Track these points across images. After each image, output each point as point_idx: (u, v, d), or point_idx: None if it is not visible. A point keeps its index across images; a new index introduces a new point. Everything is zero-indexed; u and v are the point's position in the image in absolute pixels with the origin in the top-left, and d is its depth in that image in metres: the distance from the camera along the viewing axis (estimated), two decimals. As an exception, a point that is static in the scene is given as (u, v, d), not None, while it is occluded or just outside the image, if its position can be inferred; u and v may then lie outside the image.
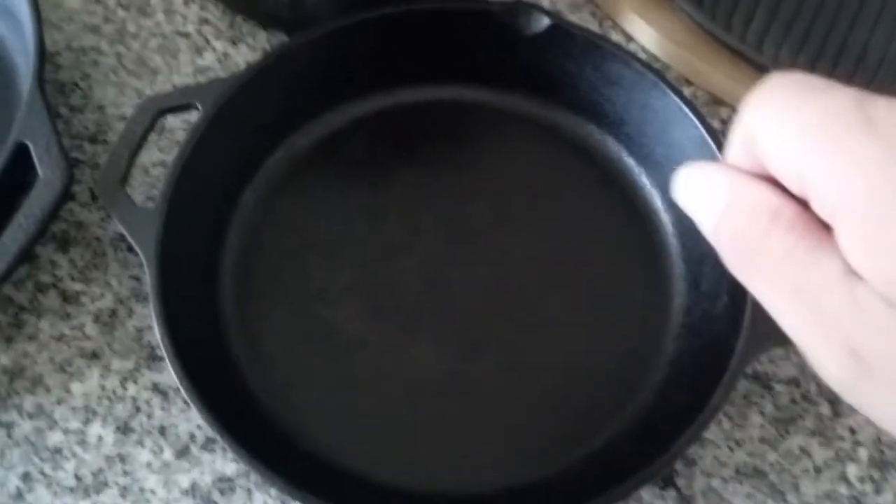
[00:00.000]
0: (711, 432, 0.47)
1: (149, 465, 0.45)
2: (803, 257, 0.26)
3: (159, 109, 0.49)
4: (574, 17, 0.59)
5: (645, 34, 0.58)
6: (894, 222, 0.24)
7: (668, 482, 0.45)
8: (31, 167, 0.46)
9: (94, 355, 0.47)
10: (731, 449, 0.46)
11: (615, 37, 0.59)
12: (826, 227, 0.26)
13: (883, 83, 0.56)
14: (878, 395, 0.26)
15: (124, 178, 0.47)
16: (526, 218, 0.52)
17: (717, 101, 0.57)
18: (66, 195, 0.46)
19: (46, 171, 0.46)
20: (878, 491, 0.46)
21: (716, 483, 0.46)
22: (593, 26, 0.59)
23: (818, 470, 0.46)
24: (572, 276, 0.51)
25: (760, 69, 0.55)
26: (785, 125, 0.26)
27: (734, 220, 0.29)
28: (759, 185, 0.29)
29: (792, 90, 0.27)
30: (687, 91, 0.57)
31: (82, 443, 0.45)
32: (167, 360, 0.42)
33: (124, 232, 0.46)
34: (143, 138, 0.48)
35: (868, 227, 0.24)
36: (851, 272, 0.25)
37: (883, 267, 0.24)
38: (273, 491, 0.45)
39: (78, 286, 0.49)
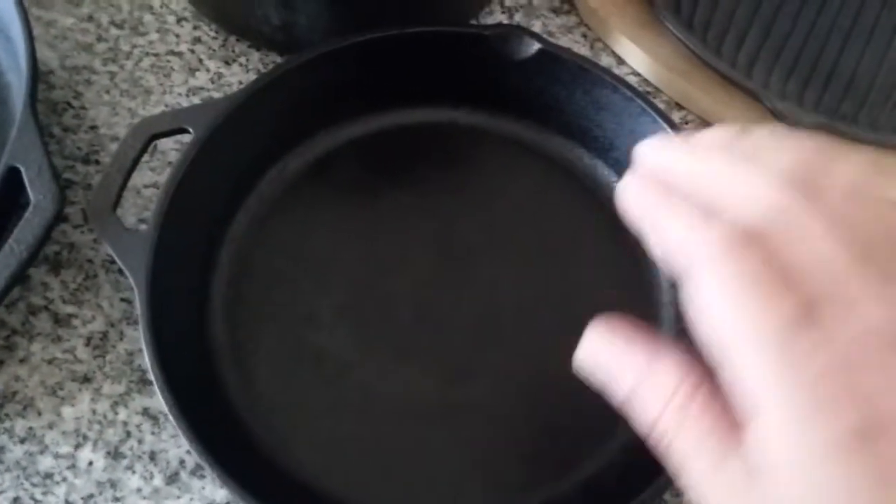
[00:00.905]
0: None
1: (139, 490, 0.45)
2: (712, 451, 0.28)
3: (151, 134, 0.49)
4: (565, 40, 0.59)
5: (636, 57, 0.59)
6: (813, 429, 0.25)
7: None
8: (23, 190, 0.46)
9: (86, 379, 0.48)
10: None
11: (606, 59, 0.59)
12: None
13: (874, 106, 0.57)
14: None
15: (115, 203, 0.47)
16: (516, 241, 0.53)
17: (707, 125, 0.57)
18: (58, 220, 0.46)
19: (38, 196, 0.46)
20: None
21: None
22: (584, 49, 0.59)
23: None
24: (561, 300, 0.51)
25: (751, 94, 0.56)
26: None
27: (646, 398, 0.30)
28: (672, 361, 0.30)
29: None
30: (677, 115, 0.57)
31: (73, 468, 0.46)
32: (157, 388, 0.42)
33: (115, 257, 0.46)
34: (135, 162, 0.48)
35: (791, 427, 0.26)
36: (753, 470, 0.27)
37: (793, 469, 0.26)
38: (262, 517, 0.45)
39: (70, 308, 0.49)
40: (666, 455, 0.29)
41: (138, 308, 0.44)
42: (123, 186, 0.47)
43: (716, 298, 0.27)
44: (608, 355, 0.32)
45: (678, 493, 0.46)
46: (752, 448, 0.27)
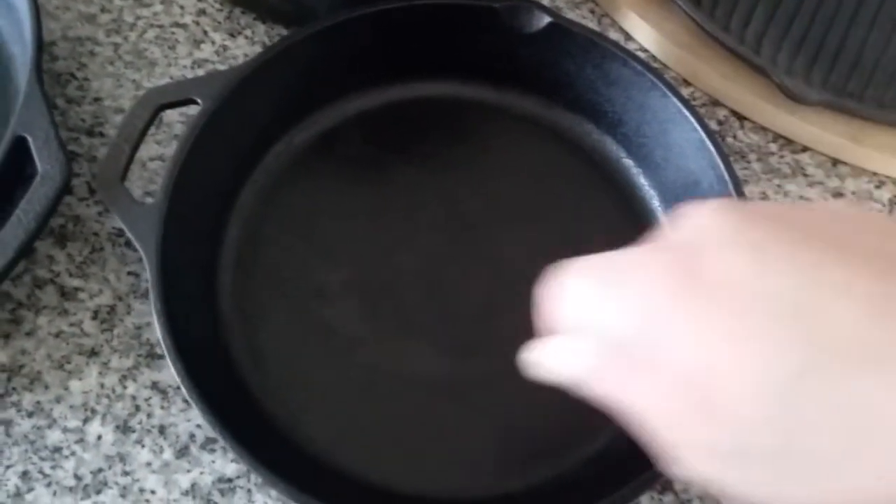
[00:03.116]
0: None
1: (149, 464, 0.45)
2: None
3: (159, 104, 0.48)
4: (573, 15, 0.59)
5: (643, 33, 0.58)
6: None
7: (665, 486, 0.46)
8: (30, 161, 0.45)
9: (93, 352, 0.47)
10: (727, 451, 0.47)
11: (613, 35, 0.59)
12: None
13: (879, 84, 0.57)
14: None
15: (124, 174, 0.47)
16: (524, 216, 0.52)
17: (714, 102, 0.57)
18: (66, 190, 0.45)
19: (46, 165, 0.45)
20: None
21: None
22: (592, 24, 0.59)
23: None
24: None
25: (758, 70, 0.55)
26: None
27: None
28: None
29: None
30: (685, 91, 0.57)
31: (82, 442, 0.45)
32: (168, 359, 0.42)
33: (124, 228, 0.45)
34: (143, 133, 0.48)
35: None
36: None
37: None
38: (273, 492, 0.45)
39: (76, 282, 0.49)
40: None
41: (148, 280, 0.44)
42: (131, 157, 0.47)
43: None
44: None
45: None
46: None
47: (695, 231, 0.31)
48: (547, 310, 0.35)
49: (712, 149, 0.49)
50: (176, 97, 0.49)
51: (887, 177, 0.56)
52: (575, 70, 0.53)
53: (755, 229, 0.29)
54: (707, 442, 0.29)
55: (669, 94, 0.50)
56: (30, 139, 0.45)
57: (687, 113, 0.50)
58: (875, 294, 0.27)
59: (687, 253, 0.30)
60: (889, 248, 0.29)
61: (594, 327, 0.33)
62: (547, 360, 0.38)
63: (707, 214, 0.31)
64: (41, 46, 0.48)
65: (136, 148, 0.47)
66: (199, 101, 0.48)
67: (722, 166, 0.48)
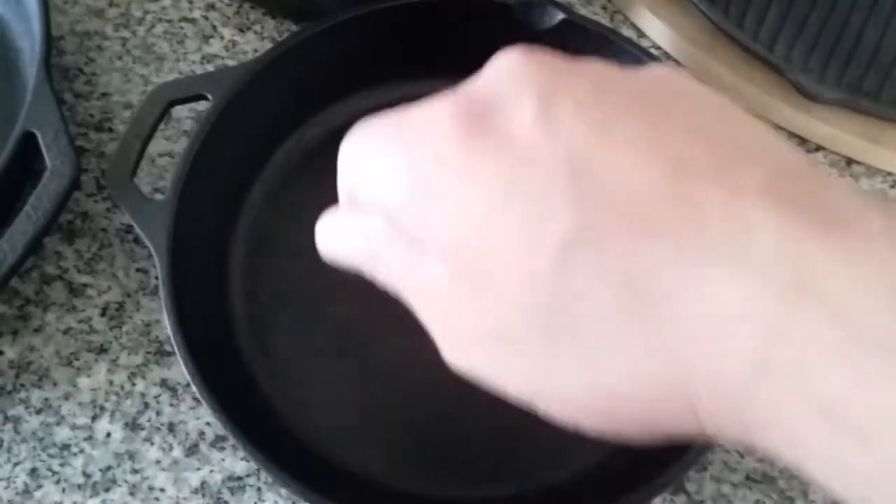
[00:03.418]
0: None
1: (158, 462, 0.44)
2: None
3: (169, 100, 0.48)
4: (585, 11, 0.59)
5: (656, 30, 0.58)
6: None
7: (678, 487, 0.45)
8: (39, 156, 0.45)
9: (102, 349, 0.47)
10: (740, 454, 0.46)
11: (627, 32, 0.58)
12: None
13: (894, 84, 0.56)
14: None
15: (133, 170, 0.46)
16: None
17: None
18: (75, 185, 0.45)
19: (55, 161, 0.45)
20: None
21: (725, 489, 0.46)
22: (604, 21, 0.58)
23: (827, 474, 0.46)
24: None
25: (773, 68, 0.55)
26: None
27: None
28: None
29: None
30: (699, 89, 0.56)
31: (90, 439, 0.45)
32: (178, 356, 0.41)
33: (134, 225, 0.45)
34: (153, 129, 0.47)
35: None
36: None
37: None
38: (283, 491, 0.44)
39: (84, 278, 0.48)
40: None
41: (157, 277, 0.43)
42: (142, 153, 0.47)
43: None
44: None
45: (698, 469, 0.46)
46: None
47: (494, 77, 0.28)
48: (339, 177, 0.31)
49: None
50: (186, 92, 0.48)
51: (903, 176, 0.55)
52: (588, 67, 0.53)
53: (554, 82, 0.26)
54: (471, 325, 0.27)
55: (683, 91, 0.50)
56: (38, 135, 0.45)
57: (700, 111, 0.49)
58: (673, 159, 0.24)
59: (476, 101, 0.27)
60: (703, 121, 0.26)
61: (371, 196, 0.29)
62: (326, 239, 0.34)
63: (511, 58, 0.27)
64: (50, 40, 0.48)
65: (146, 144, 0.47)
66: (209, 96, 0.48)
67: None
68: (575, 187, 0.24)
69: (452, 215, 0.26)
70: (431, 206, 0.27)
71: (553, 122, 0.25)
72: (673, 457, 0.41)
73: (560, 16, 0.51)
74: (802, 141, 0.56)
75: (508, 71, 0.27)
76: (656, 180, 0.24)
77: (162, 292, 0.43)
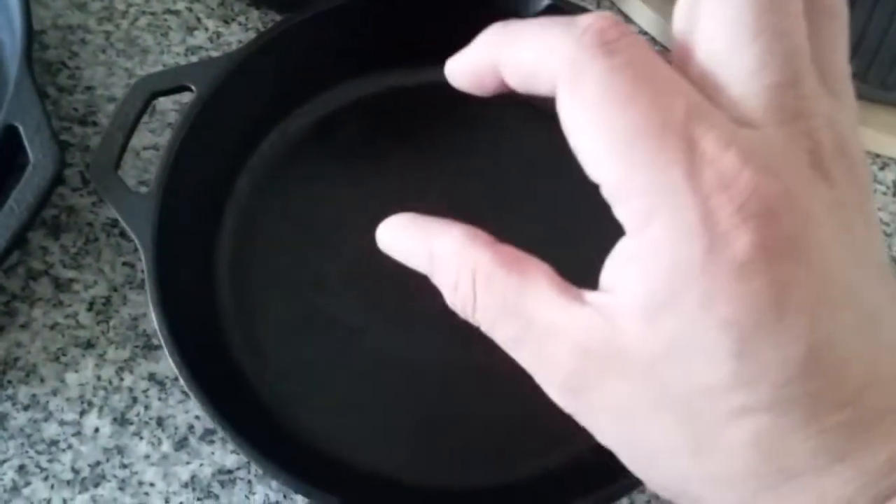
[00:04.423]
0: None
1: (147, 457, 0.44)
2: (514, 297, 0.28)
3: (153, 91, 0.47)
4: (571, -3, 0.58)
5: (643, 16, 0.58)
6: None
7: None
8: (22, 150, 0.45)
9: (89, 344, 0.46)
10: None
11: (613, 18, 0.58)
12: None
13: (882, 65, 0.56)
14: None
15: (117, 163, 0.46)
16: (524, 202, 0.52)
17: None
18: (59, 179, 0.44)
19: (38, 155, 0.44)
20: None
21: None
22: (591, 7, 0.58)
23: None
24: (572, 261, 0.50)
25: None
26: None
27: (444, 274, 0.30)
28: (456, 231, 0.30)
29: None
30: (686, 74, 0.56)
31: (79, 434, 0.44)
32: (165, 350, 0.41)
33: (119, 218, 0.44)
34: (137, 121, 0.47)
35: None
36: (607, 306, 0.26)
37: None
38: (274, 483, 0.44)
39: (70, 273, 0.48)
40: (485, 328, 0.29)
41: (143, 270, 0.43)
42: (125, 145, 0.46)
43: (597, 98, 0.25)
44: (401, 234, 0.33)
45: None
46: (618, 278, 0.26)
47: None
48: None
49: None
50: (169, 84, 0.48)
51: (891, 158, 0.55)
52: (574, 53, 0.52)
53: None
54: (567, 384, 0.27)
55: (671, 76, 0.49)
56: (21, 128, 0.44)
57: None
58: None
59: None
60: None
61: None
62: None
63: None
64: (31, 33, 0.47)
65: (129, 136, 0.46)
66: (193, 88, 0.48)
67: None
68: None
69: None
70: None
71: None
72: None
73: (546, 1, 0.51)
74: (791, 124, 0.55)
75: None
76: None
77: (148, 286, 0.42)
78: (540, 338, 0.27)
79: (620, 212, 0.26)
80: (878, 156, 0.55)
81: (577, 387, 0.27)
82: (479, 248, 0.29)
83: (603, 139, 0.25)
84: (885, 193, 0.54)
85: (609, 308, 0.26)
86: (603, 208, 0.52)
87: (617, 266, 0.26)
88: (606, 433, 0.27)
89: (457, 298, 0.29)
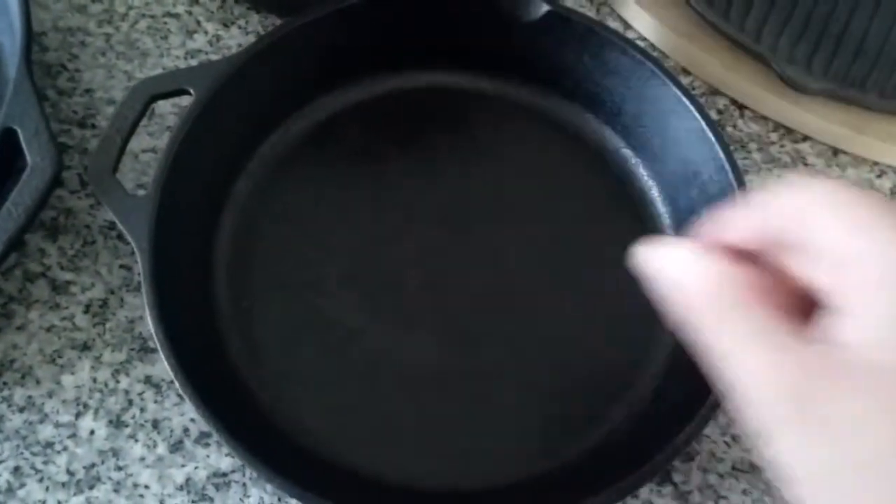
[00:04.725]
0: (707, 427, 0.46)
1: (142, 459, 0.44)
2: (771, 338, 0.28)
3: (151, 95, 0.47)
4: (570, 3, 0.58)
5: (642, 22, 0.58)
6: None
7: (665, 478, 0.45)
8: (20, 153, 0.45)
9: (86, 347, 0.47)
10: (727, 444, 0.46)
11: (612, 24, 0.58)
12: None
13: (882, 72, 0.56)
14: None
15: (115, 166, 0.46)
16: (523, 206, 0.52)
17: (714, 92, 0.57)
18: (57, 182, 0.44)
19: (36, 158, 0.44)
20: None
21: (712, 479, 0.46)
22: (590, 13, 0.58)
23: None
24: (568, 266, 0.50)
25: (759, 59, 0.55)
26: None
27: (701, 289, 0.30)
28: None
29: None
30: (684, 81, 0.56)
31: (74, 437, 0.44)
32: (161, 353, 0.41)
33: (116, 221, 0.45)
34: (135, 124, 0.47)
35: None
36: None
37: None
38: (269, 486, 0.44)
39: (68, 275, 0.48)
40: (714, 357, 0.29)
41: (140, 274, 0.43)
42: (123, 149, 0.46)
43: None
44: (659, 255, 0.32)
45: (684, 459, 0.46)
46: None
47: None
48: None
49: (712, 138, 0.48)
50: (168, 87, 0.48)
51: (889, 166, 0.55)
52: (573, 59, 0.52)
53: None
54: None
55: (669, 83, 0.50)
56: (19, 131, 0.45)
57: (687, 102, 0.49)
58: None
59: None
60: None
61: None
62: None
63: None
64: (31, 37, 0.47)
65: (127, 139, 0.46)
66: (191, 91, 0.48)
67: (722, 156, 0.47)
68: None
69: None
70: None
71: None
72: (659, 447, 0.41)
73: (545, 8, 0.51)
74: (789, 131, 0.55)
75: None
76: None
77: (144, 289, 0.43)
78: None
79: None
80: (875, 163, 0.55)
81: None
82: None
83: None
84: (882, 201, 0.54)
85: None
86: (602, 211, 0.52)
87: None
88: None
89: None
